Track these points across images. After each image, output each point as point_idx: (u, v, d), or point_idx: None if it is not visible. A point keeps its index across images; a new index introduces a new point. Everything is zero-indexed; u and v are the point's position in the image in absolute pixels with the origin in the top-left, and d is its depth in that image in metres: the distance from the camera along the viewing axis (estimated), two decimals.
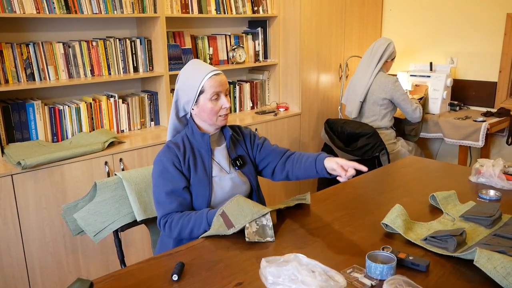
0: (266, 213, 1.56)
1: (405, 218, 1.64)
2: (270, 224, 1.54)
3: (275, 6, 3.66)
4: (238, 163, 1.80)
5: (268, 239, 1.52)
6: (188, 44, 3.29)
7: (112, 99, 2.95)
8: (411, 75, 3.81)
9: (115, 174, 1.85)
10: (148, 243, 2.82)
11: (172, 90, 3.25)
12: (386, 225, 1.62)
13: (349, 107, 3.53)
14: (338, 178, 1.69)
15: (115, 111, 2.98)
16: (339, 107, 3.90)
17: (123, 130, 3.05)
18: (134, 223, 1.84)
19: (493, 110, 3.62)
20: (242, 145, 1.88)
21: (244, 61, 3.58)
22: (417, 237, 1.57)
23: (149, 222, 1.91)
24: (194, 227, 1.60)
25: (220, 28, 3.63)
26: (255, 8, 3.55)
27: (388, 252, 1.39)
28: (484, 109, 3.70)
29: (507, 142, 3.66)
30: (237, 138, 1.88)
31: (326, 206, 1.86)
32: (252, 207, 1.57)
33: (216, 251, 1.48)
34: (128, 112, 3.06)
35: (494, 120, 3.41)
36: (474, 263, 1.34)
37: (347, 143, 3.29)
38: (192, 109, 1.74)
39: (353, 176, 1.69)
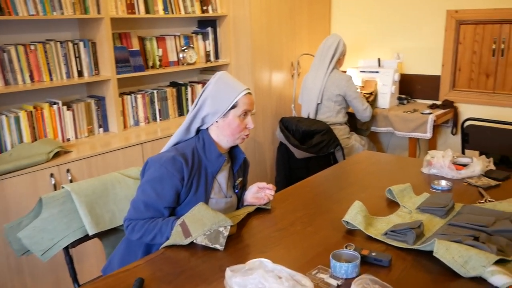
0: (227, 225, 1.51)
1: (365, 214, 1.65)
2: (226, 233, 1.49)
3: (224, 5, 3.61)
4: (238, 187, 1.79)
5: (217, 246, 1.47)
6: (135, 46, 3.18)
7: (55, 106, 2.80)
8: (360, 71, 3.88)
9: (63, 187, 1.74)
10: (102, 257, 2.69)
11: (122, 94, 3.13)
12: (347, 222, 1.62)
13: (305, 108, 3.55)
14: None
15: (59, 118, 2.82)
16: (293, 105, 3.91)
17: (69, 138, 2.90)
18: (86, 237, 1.74)
19: (438, 103, 3.75)
20: (242, 171, 1.87)
21: (195, 62, 3.51)
22: (378, 232, 1.58)
23: (103, 235, 1.81)
24: (157, 234, 1.55)
25: (169, 28, 3.54)
26: (204, 8, 3.49)
27: (351, 250, 1.39)
28: (430, 102, 3.83)
29: (452, 132, 3.81)
30: (244, 163, 1.86)
31: (285, 206, 1.84)
32: (213, 216, 1.52)
33: (177, 262, 1.42)
34: (74, 119, 2.91)
35: (440, 112, 3.54)
36: (434, 254, 1.36)
37: (302, 140, 3.29)
38: (217, 121, 1.67)
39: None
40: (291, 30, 3.91)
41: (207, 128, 1.70)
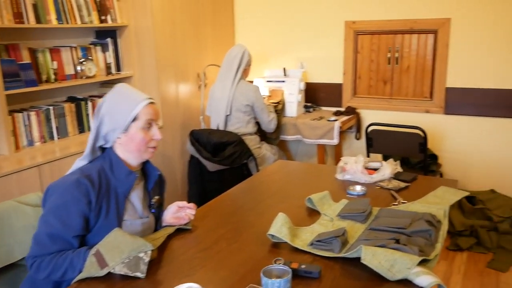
0: (148, 250, 1.38)
1: (290, 225, 1.62)
2: (147, 259, 1.37)
3: (124, 15, 3.43)
4: (155, 206, 1.65)
5: (138, 274, 1.35)
6: (26, 59, 2.88)
7: None
8: (267, 81, 3.92)
9: None
10: None
11: (12, 112, 2.81)
12: (273, 235, 1.58)
13: (214, 119, 3.49)
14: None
15: None
16: (201, 117, 3.83)
17: None
18: None
19: (342, 109, 3.91)
20: (158, 188, 1.74)
21: (95, 74, 3.27)
22: (304, 243, 1.56)
23: None
24: (68, 268, 1.37)
25: (64, 39, 3.27)
26: (103, 18, 3.28)
27: (281, 265, 1.35)
28: (334, 109, 3.98)
29: (356, 137, 4.00)
30: (160, 180, 1.73)
31: (207, 224, 1.75)
32: (131, 242, 1.39)
33: None
34: None
35: (344, 118, 3.69)
36: (362, 261, 1.37)
37: (214, 153, 3.22)
38: (119, 137, 1.51)
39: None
40: (196, 41, 3.85)
41: (112, 146, 1.56)
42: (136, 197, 1.60)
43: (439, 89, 3.61)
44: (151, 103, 1.56)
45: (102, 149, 1.58)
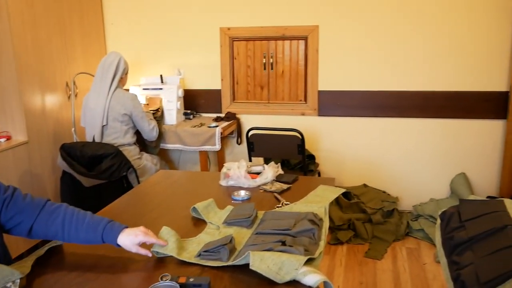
0: (16, 279, 1.21)
1: (175, 238, 1.56)
2: None
3: None
4: None
5: None
6: None
7: None
8: (144, 89, 3.78)
9: None
10: None
11: None
12: (157, 252, 1.50)
13: (89, 130, 3.25)
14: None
15: None
16: (73, 128, 3.54)
17: None
18: None
19: (222, 115, 3.93)
20: None
21: None
22: (191, 255, 1.51)
23: None
24: None
25: None
26: None
27: (168, 281, 1.29)
28: (214, 115, 3.98)
29: (237, 142, 4.04)
30: None
31: (83, 246, 1.60)
32: None
33: None
34: None
35: (225, 124, 3.71)
36: (250, 267, 1.36)
37: (89, 167, 3.00)
38: None
39: None
40: (63, 48, 3.55)
41: None
42: None
43: (312, 92, 3.81)
44: None
45: None
